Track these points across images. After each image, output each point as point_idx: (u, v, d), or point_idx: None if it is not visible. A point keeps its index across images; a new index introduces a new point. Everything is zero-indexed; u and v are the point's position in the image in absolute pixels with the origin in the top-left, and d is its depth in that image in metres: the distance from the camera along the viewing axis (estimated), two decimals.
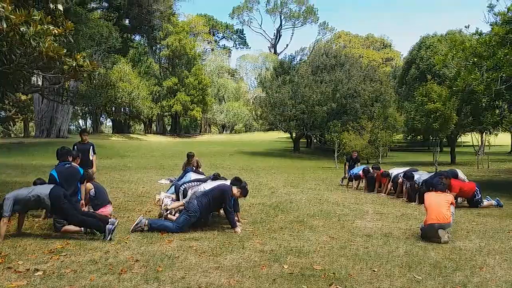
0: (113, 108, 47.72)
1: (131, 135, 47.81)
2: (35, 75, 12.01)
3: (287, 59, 42.07)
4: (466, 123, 21.82)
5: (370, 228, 6.81)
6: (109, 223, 5.56)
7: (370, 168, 12.31)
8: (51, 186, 5.69)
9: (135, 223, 5.96)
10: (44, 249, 5.00)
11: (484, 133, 28.88)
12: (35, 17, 5.67)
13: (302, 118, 31.75)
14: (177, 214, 6.54)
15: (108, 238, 5.43)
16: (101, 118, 56.72)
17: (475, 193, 9.30)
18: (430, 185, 7.79)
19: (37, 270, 4.23)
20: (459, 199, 9.60)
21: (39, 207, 5.86)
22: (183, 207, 6.43)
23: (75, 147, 9.29)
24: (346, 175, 13.66)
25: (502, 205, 9.38)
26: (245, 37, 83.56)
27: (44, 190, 5.54)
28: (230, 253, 5.09)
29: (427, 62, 33.67)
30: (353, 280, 4.23)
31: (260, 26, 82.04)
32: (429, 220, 6.08)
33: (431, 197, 6.49)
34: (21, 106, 42.59)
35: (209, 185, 7.00)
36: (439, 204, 6.24)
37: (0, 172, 13.12)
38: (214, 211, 6.94)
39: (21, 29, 5.51)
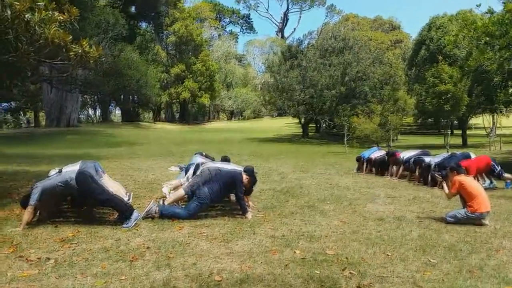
0: (122, 96, 47.70)
1: (140, 123, 47.88)
2: (43, 65, 11.99)
3: (295, 43, 41.23)
4: (477, 103, 21.50)
5: (382, 212, 6.73)
6: (136, 211, 5.65)
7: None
8: (77, 169, 5.72)
9: (146, 210, 5.93)
10: (55, 237, 4.99)
11: (496, 114, 28.45)
12: (40, 3, 5.59)
13: (310, 103, 31.50)
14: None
15: (131, 225, 5.43)
16: (110, 107, 56.79)
17: (493, 166, 9.17)
18: (448, 168, 6.89)
19: (48, 259, 4.22)
20: (481, 182, 9.30)
21: (64, 195, 5.86)
22: (181, 193, 6.37)
23: None
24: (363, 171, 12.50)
25: None
26: (252, 22, 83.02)
27: (71, 173, 5.58)
28: (241, 239, 5.05)
29: (438, 43, 32.98)
30: (366, 264, 4.17)
31: (267, 10, 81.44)
32: (483, 208, 5.83)
33: (473, 182, 6.23)
34: (30, 96, 42.73)
35: (223, 164, 6.82)
36: (483, 190, 6.13)
37: (11, 162, 13.17)
38: (225, 197, 6.92)
39: (26, 16, 5.45)
